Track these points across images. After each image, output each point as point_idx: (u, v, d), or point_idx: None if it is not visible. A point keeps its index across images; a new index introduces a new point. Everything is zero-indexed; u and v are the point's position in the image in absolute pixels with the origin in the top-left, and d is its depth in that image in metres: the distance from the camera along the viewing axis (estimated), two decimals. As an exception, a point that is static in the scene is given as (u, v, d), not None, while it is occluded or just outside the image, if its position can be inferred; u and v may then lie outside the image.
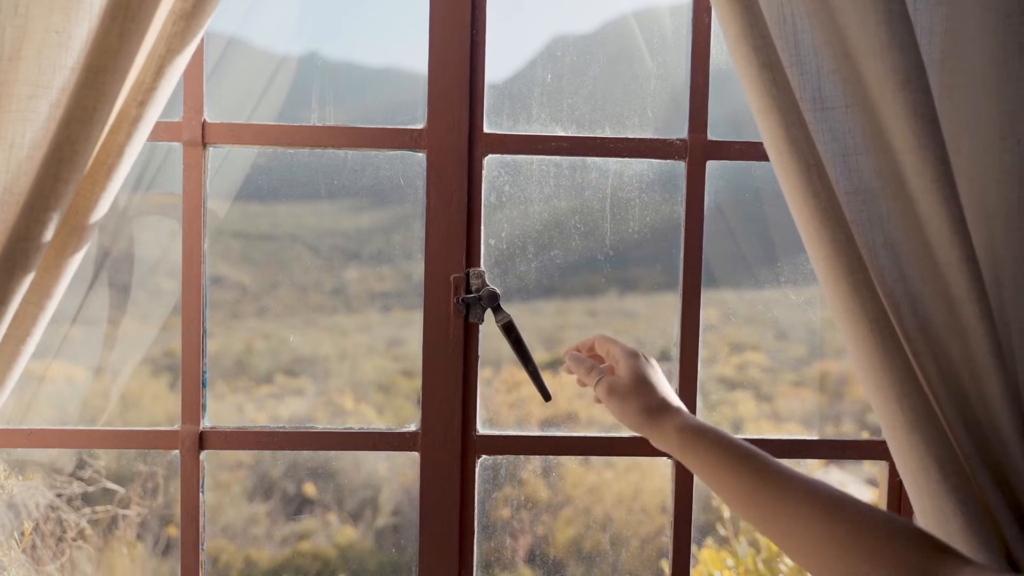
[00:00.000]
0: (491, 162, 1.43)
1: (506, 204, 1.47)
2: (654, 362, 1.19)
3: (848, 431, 3.73)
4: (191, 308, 1.41)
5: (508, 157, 1.46)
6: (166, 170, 1.60)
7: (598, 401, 1.20)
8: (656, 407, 1.11)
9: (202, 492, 1.44)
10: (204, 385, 1.43)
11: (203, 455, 1.43)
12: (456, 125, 1.39)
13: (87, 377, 2.05)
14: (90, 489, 2.75)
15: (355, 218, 1.38)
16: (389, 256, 1.64)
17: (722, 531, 3.60)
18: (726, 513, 3.59)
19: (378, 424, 1.49)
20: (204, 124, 1.39)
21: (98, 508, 2.84)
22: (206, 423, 1.44)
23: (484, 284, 1.41)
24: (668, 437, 1.08)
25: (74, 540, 2.55)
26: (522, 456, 1.52)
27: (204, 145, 1.39)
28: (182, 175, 1.39)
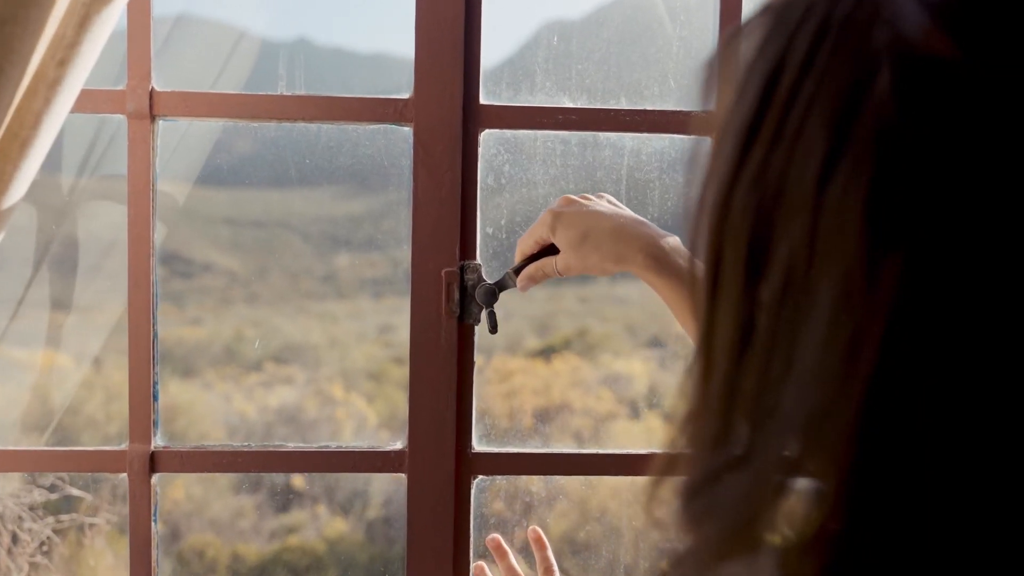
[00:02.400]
0: (488, 138, 1.23)
1: (506, 187, 1.28)
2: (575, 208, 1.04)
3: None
4: (139, 307, 1.21)
5: (508, 133, 1.26)
6: (116, 149, 1.40)
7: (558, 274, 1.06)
8: (612, 261, 1.00)
9: (154, 521, 1.24)
10: (155, 397, 1.23)
11: (155, 479, 1.24)
12: (448, 95, 1.19)
13: (51, 365, 1.85)
14: (53, 497, 2.55)
15: (331, 204, 1.18)
16: (379, 244, 1.44)
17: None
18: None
19: (358, 443, 1.29)
20: (152, 93, 1.18)
21: (63, 517, 2.63)
22: (158, 441, 1.24)
23: (480, 279, 1.21)
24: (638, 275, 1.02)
25: (33, 556, 2.35)
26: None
27: (152, 117, 1.19)
28: (127, 153, 1.19)
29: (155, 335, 1.23)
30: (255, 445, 1.25)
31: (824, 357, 0.37)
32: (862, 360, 0.36)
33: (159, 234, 1.27)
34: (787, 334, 0.38)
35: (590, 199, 1.04)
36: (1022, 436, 0.35)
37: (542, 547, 1.15)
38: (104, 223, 1.54)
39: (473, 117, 1.20)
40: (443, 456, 1.24)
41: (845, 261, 0.36)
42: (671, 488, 0.44)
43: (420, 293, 1.21)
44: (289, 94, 1.20)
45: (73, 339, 1.71)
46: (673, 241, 0.98)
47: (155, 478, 1.24)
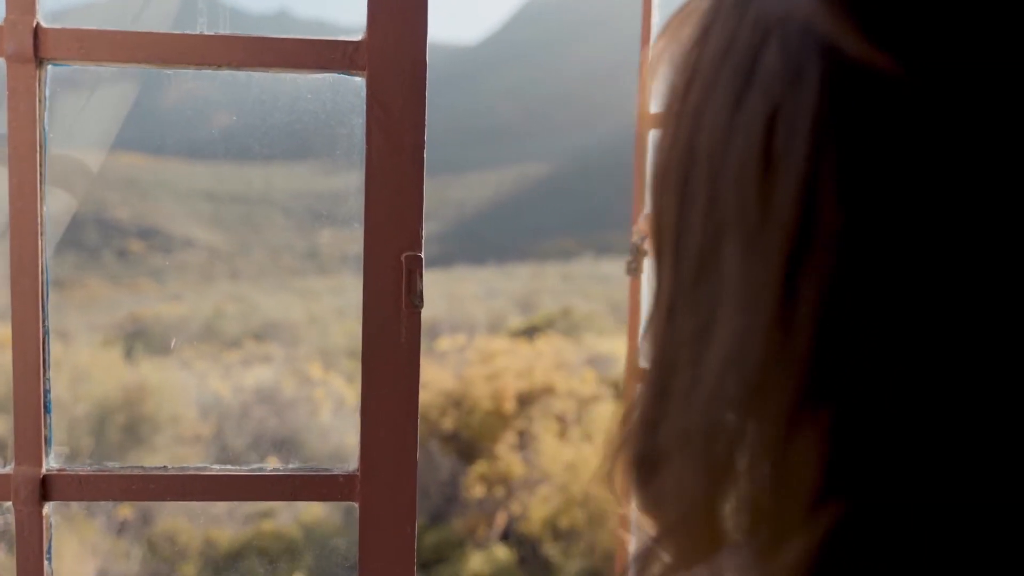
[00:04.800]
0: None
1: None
2: None
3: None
4: (25, 297, 0.97)
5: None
6: None
7: None
8: None
9: (48, 559, 1.01)
10: (48, 409, 1.00)
11: (47, 508, 1.01)
12: (410, 34, 0.96)
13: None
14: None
15: (264, 171, 0.95)
16: (328, 219, 1.20)
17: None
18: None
19: (295, 463, 1.06)
20: (38, 29, 0.94)
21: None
22: (51, 463, 1.01)
23: None
24: None
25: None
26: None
27: (39, 61, 0.95)
28: (6, 105, 0.95)
29: (46, 331, 0.99)
30: (172, 468, 1.02)
31: (746, 321, 0.37)
32: (796, 326, 0.35)
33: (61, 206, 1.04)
34: (704, 300, 0.39)
35: None
36: (983, 398, 0.34)
37: None
38: None
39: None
40: (402, 479, 1.02)
41: (746, 217, 0.37)
42: (623, 465, 0.44)
43: (374, 284, 0.98)
44: (211, 34, 0.96)
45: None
46: None
47: (48, 507, 1.01)
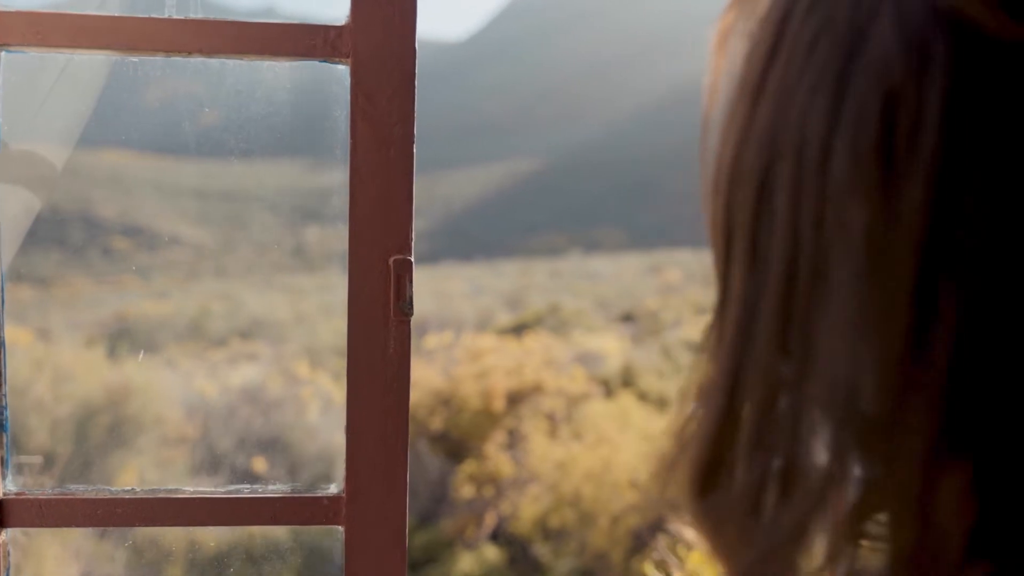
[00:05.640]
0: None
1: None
2: None
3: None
4: (-22, 309, 0.89)
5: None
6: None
7: None
8: None
9: (6, 591, 0.93)
10: (3, 428, 0.92)
11: (4, 535, 0.93)
12: (398, 17, 0.88)
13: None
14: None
15: (242, 167, 0.86)
16: (320, 217, 1.13)
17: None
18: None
19: (279, 485, 0.98)
20: (-11, 13, 0.86)
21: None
22: (9, 486, 0.93)
23: None
24: None
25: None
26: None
27: (-10, 48, 0.87)
28: (-45, 96, 0.87)
29: (1, 341, 0.91)
30: (141, 491, 0.94)
31: (864, 348, 0.31)
32: (930, 356, 0.30)
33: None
34: (800, 317, 0.33)
35: None
36: None
37: None
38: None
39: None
40: (391, 502, 0.94)
41: (864, 227, 0.31)
42: (683, 475, 0.38)
43: (360, 290, 0.91)
44: (181, 18, 0.88)
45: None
46: None
47: (4, 534, 0.93)
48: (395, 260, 0.90)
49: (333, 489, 0.95)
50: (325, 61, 0.90)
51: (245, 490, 0.95)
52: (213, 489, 0.95)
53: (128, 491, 0.94)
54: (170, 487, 0.94)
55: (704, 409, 0.38)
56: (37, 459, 0.91)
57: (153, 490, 0.94)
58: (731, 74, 0.38)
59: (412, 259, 0.91)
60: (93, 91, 1.07)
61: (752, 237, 0.35)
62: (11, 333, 1.44)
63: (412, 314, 0.91)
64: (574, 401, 8.84)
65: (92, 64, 1.00)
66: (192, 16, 0.89)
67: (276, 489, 0.96)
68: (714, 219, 0.38)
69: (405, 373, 0.93)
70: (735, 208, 0.36)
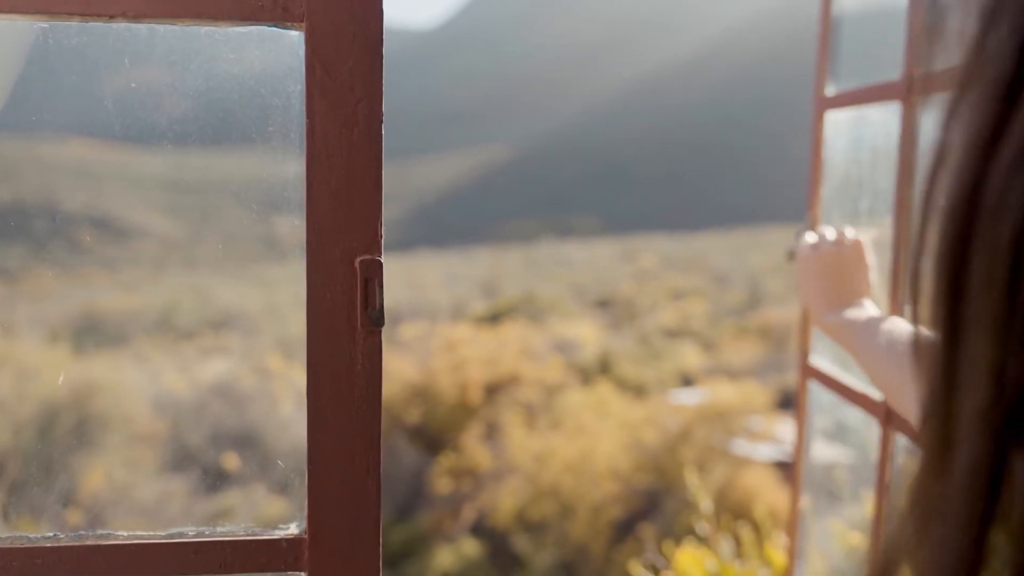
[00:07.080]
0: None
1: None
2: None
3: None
4: None
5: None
6: None
7: None
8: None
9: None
10: None
11: (-98, 594, 0.78)
12: (359, -28, 0.74)
13: None
14: None
15: (175, 153, 0.72)
16: (282, 207, 0.98)
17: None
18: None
19: (231, 526, 0.85)
20: None
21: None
22: (-95, 536, 0.78)
23: None
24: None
25: None
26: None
27: None
28: None
29: None
30: (66, 538, 0.80)
31: None
32: None
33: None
34: None
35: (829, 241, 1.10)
36: None
37: None
38: None
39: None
40: (359, 544, 0.81)
41: None
42: None
43: (321, 296, 0.77)
44: (99, -26, 0.74)
45: None
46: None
47: (-98, 593, 0.78)
48: (362, 261, 0.77)
49: (293, 529, 0.82)
50: (275, 26, 0.75)
51: (190, 533, 0.81)
52: (152, 533, 0.81)
53: (50, 538, 0.80)
54: (101, 532, 0.80)
55: (936, 534, 0.30)
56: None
57: (79, 535, 0.80)
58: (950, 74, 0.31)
59: (382, 260, 0.77)
60: (9, 70, 0.92)
61: (1007, 296, 0.28)
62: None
63: (383, 324, 0.78)
64: (551, 391, 8.73)
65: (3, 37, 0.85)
66: (113, -28, 0.74)
67: (227, 531, 0.82)
68: (932, 272, 0.30)
69: (376, 394, 0.79)
70: (974, 255, 0.28)
